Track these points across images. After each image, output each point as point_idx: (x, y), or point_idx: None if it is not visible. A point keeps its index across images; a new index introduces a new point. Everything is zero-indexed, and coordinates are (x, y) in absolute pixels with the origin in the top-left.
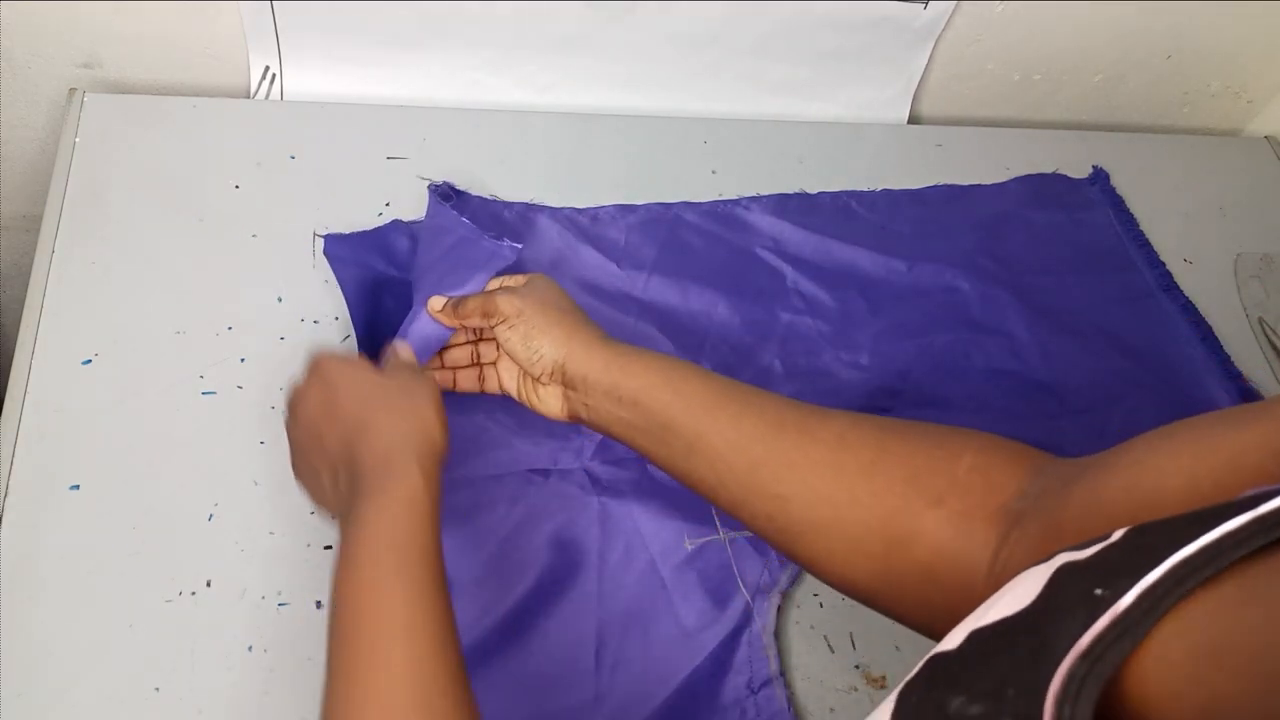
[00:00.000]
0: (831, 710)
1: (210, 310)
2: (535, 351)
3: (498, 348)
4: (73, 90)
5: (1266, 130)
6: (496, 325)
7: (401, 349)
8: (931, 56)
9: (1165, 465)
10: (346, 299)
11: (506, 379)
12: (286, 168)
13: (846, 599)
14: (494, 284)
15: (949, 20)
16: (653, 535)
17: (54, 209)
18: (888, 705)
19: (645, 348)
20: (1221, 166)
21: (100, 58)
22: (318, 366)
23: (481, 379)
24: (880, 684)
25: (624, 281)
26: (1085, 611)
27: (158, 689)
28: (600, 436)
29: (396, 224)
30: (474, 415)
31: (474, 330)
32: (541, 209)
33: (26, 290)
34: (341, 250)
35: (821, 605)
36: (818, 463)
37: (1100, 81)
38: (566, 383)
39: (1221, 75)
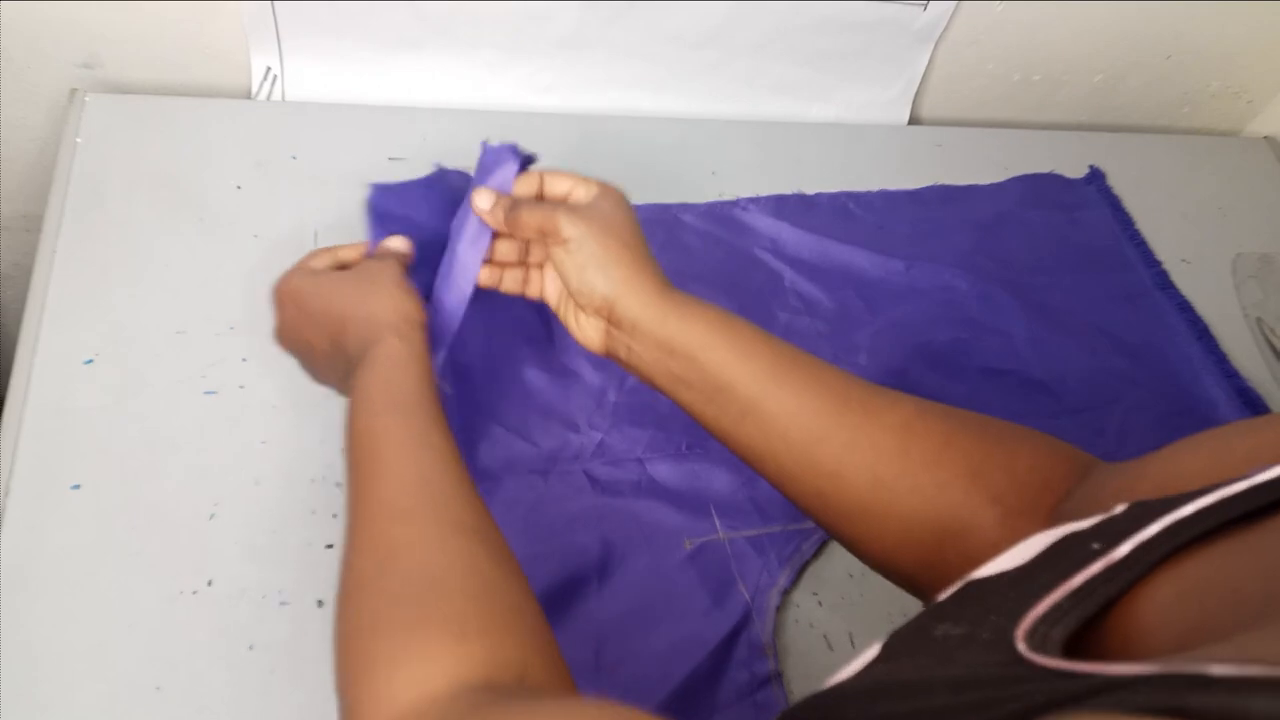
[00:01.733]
0: None
1: (211, 310)
2: (588, 284)
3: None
4: (73, 90)
5: (1266, 130)
6: (552, 245)
7: (392, 241)
8: (931, 57)
9: (1190, 465)
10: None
11: (550, 289)
12: (287, 168)
13: (846, 598)
14: (562, 184)
15: (949, 21)
16: (652, 535)
17: (54, 209)
18: (876, 643)
19: (704, 300)
20: (1221, 166)
21: (100, 58)
22: (279, 294)
23: (525, 281)
24: None
25: None
26: (1080, 560)
27: (158, 689)
28: (600, 437)
29: (442, 172)
30: (474, 416)
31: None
32: None
33: (27, 290)
34: (389, 204)
35: (821, 604)
36: (881, 447)
37: (1100, 81)
38: (613, 321)
39: (1221, 75)
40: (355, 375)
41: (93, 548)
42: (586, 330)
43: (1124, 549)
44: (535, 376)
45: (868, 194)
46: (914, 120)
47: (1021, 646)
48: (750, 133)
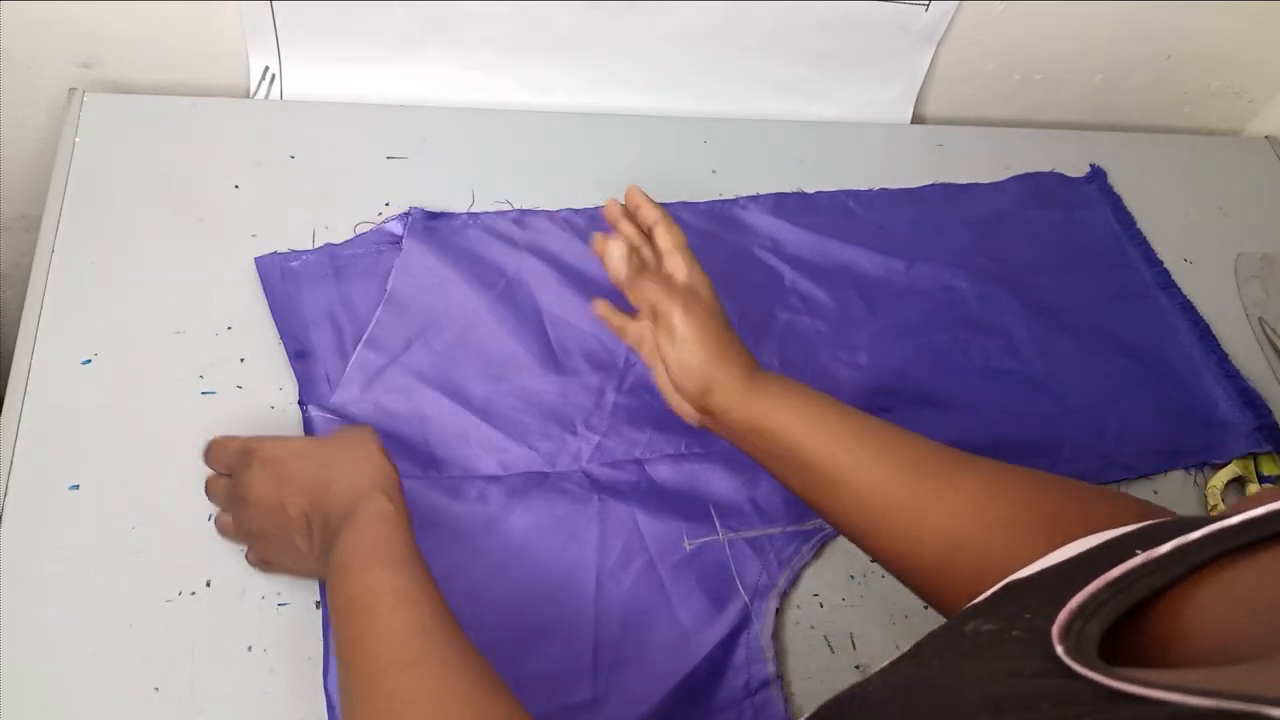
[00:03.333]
0: None
1: (210, 310)
2: (684, 379)
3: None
4: (73, 90)
5: (1266, 130)
6: (659, 325)
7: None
8: (932, 57)
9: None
10: (282, 324)
11: (657, 359)
12: (286, 168)
13: (846, 599)
14: (651, 214)
15: (950, 21)
16: (652, 536)
17: (54, 209)
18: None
19: (783, 376)
20: (1221, 166)
21: (100, 58)
22: (255, 453)
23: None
24: None
25: None
26: (1119, 558)
27: (158, 689)
28: (598, 439)
29: (331, 250)
30: (471, 417)
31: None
32: (538, 213)
33: (26, 290)
34: (276, 280)
35: (821, 605)
36: (958, 510)
37: (1100, 81)
38: (704, 410)
39: (1221, 75)
40: (341, 535)
41: (92, 548)
42: (682, 408)
43: (1165, 548)
44: (533, 377)
45: (867, 192)
46: (915, 119)
47: (1059, 649)
48: (751, 131)
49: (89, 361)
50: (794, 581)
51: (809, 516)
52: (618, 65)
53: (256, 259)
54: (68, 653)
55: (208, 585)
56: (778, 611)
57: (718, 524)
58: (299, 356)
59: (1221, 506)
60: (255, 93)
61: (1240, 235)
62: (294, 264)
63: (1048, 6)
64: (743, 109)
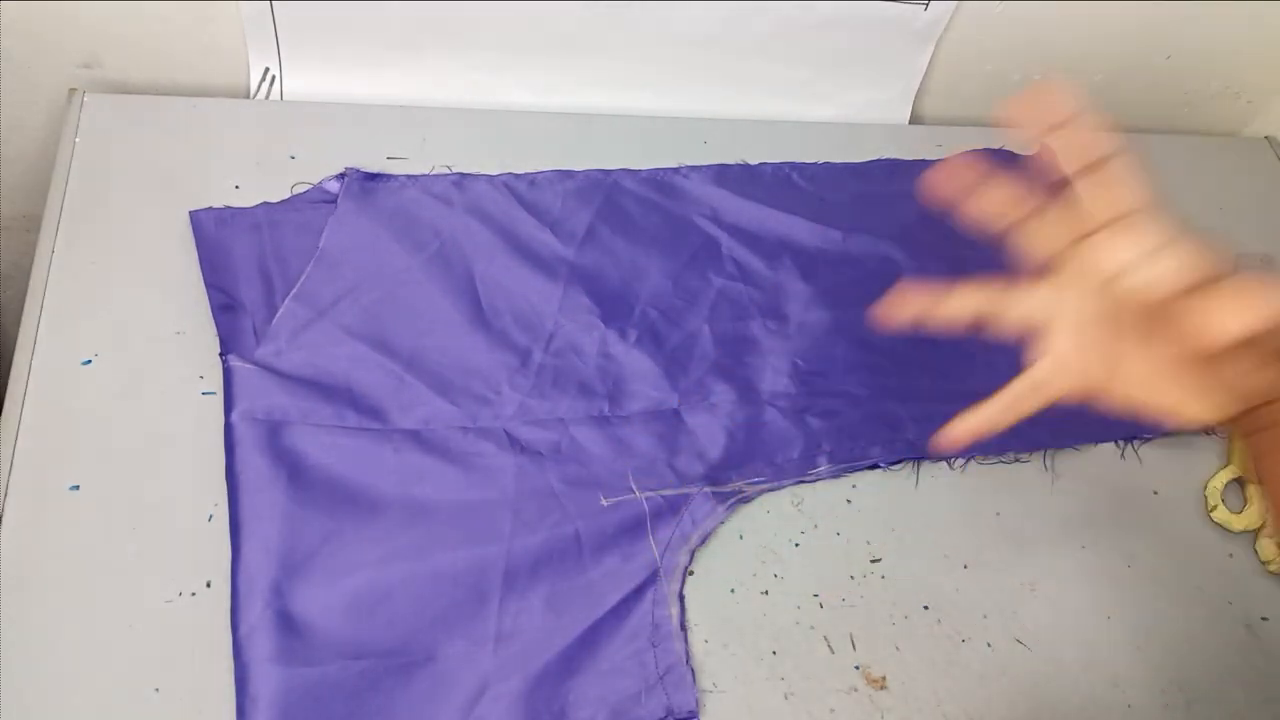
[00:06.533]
0: (832, 710)
1: (210, 310)
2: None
3: None
4: (73, 90)
5: (1266, 130)
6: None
7: None
8: (931, 57)
9: None
10: (210, 276)
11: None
12: (286, 168)
13: (846, 599)
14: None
15: (949, 21)
16: (569, 493)
17: (54, 209)
18: None
19: None
20: (1221, 166)
21: (100, 58)
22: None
23: None
24: (880, 684)
25: (556, 245)
26: None
27: (158, 689)
28: (520, 399)
29: (267, 206)
30: (396, 369)
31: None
32: (478, 176)
33: (26, 290)
34: (210, 229)
35: (821, 606)
36: None
37: (1100, 81)
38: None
39: (1221, 75)
40: None
41: (92, 548)
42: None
43: None
44: (460, 335)
45: (812, 165)
46: (914, 120)
47: None
48: (751, 132)
49: (89, 361)
50: (705, 539)
51: (726, 479)
52: (617, 67)
53: (191, 212)
54: (68, 653)
55: (208, 585)
56: (686, 569)
57: (634, 486)
58: (224, 309)
59: (1221, 507)
60: (255, 94)
61: (1240, 235)
62: (228, 218)
63: (1048, 6)
64: (743, 110)
